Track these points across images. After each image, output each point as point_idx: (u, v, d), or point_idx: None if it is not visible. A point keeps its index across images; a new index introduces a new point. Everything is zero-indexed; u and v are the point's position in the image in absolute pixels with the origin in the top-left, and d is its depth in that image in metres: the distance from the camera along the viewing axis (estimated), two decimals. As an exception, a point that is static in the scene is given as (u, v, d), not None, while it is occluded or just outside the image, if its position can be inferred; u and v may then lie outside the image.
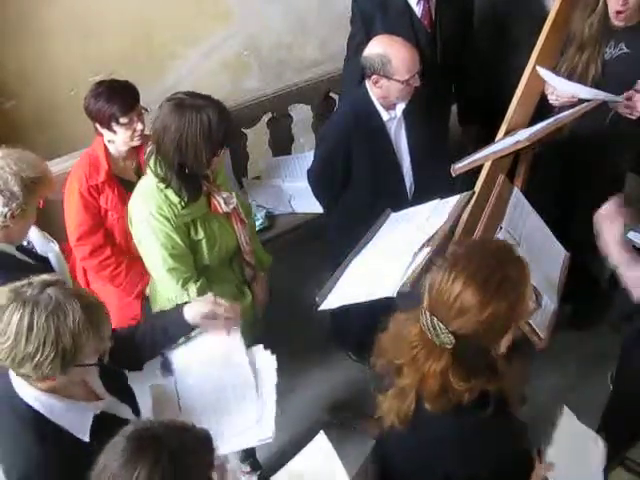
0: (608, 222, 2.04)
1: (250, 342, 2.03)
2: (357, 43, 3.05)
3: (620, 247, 1.99)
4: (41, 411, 1.54)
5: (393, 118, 2.75)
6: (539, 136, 2.46)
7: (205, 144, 2.11)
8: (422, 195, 2.65)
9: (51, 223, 2.60)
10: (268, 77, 4.44)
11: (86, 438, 1.57)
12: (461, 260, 1.46)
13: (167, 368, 2.01)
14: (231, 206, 2.34)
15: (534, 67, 2.68)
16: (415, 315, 1.51)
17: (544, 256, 2.36)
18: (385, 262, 2.20)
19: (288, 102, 3.67)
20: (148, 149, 2.25)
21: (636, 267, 1.96)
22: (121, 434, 1.31)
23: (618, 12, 2.52)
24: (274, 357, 1.97)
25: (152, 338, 1.94)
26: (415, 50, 2.63)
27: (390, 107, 2.72)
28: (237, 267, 2.52)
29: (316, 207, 3.11)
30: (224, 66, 4.38)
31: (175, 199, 2.20)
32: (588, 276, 3.22)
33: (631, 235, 2.40)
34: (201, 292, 2.30)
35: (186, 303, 1.97)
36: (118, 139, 2.60)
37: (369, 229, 2.44)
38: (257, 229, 3.05)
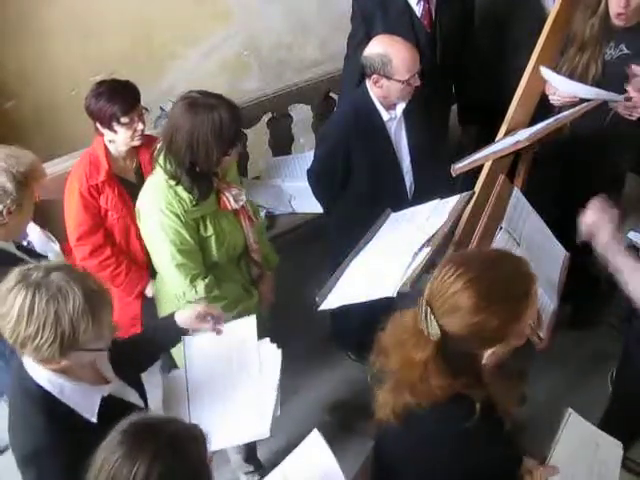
0: (598, 231, 1.95)
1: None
2: (357, 42, 3.06)
3: (620, 253, 1.91)
4: (51, 391, 1.58)
5: (393, 118, 2.75)
6: (539, 136, 2.46)
7: (217, 143, 2.12)
8: (422, 195, 2.65)
9: (51, 223, 2.60)
10: (268, 77, 4.44)
11: (94, 419, 1.61)
12: (473, 262, 1.46)
13: (167, 369, 2.03)
14: (240, 203, 2.35)
15: (534, 67, 2.68)
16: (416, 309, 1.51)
17: (544, 256, 2.36)
18: (385, 262, 2.20)
19: (288, 102, 3.67)
20: (158, 146, 2.25)
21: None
22: (116, 429, 1.32)
23: (619, 13, 2.53)
24: (280, 351, 1.99)
25: (148, 346, 2.00)
26: (415, 50, 2.63)
27: (390, 107, 2.72)
28: (244, 266, 2.52)
29: (316, 207, 3.11)
30: (224, 66, 4.39)
31: (185, 196, 2.21)
32: (588, 276, 3.22)
33: (631, 235, 2.41)
34: (209, 289, 2.31)
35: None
36: (119, 139, 2.59)
37: (369, 229, 2.44)
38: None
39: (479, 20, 3.25)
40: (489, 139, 2.74)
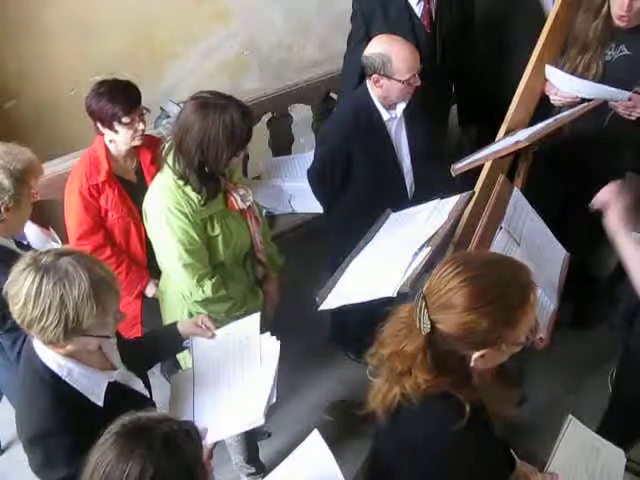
0: (609, 210, 2.01)
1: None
2: (357, 42, 3.06)
3: (623, 235, 1.96)
4: (59, 373, 1.62)
5: (393, 118, 2.75)
6: (539, 136, 2.46)
7: (227, 144, 2.12)
8: (422, 195, 2.65)
9: (51, 223, 2.60)
10: (268, 77, 4.44)
11: (100, 403, 1.65)
12: (473, 262, 1.46)
13: (167, 370, 2.06)
14: (248, 203, 2.35)
15: (534, 67, 2.69)
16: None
17: (544, 256, 2.36)
18: (385, 262, 2.20)
19: (288, 102, 3.67)
20: (166, 145, 2.25)
21: None
22: (108, 431, 1.32)
23: (621, 16, 2.53)
24: (278, 342, 2.01)
25: (148, 349, 2.06)
26: (415, 50, 2.63)
27: (390, 107, 2.72)
28: (250, 266, 2.52)
29: (316, 207, 3.11)
30: (224, 66, 4.39)
31: (193, 195, 2.21)
32: (588, 276, 3.22)
33: (633, 236, 2.40)
34: (216, 289, 2.31)
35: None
36: (120, 139, 2.60)
37: (369, 229, 2.44)
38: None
39: (479, 20, 3.25)
40: (489, 139, 2.74)
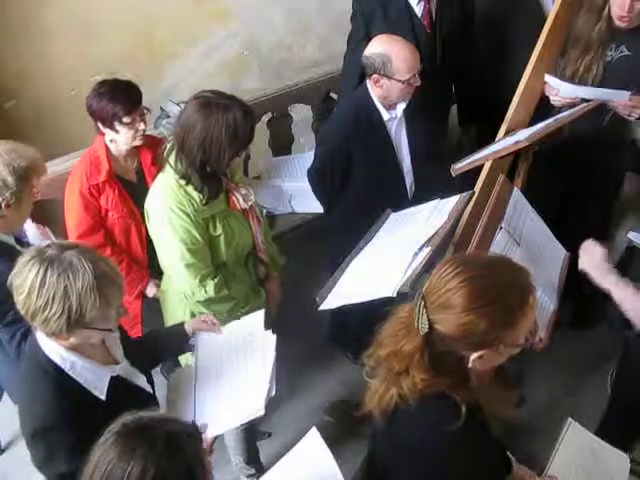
0: (597, 272, 2.08)
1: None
2: (357, 42, 3.06)
3: (620, 286, 2.03)
4: (62, 366, 1.63)
5: (394, 118, 2.75)
6: (539, 136, 2.46)
7: (229, 144, 2.11)
8: (422, 195, 2.65)
9: (51, 223, 2.60)
10: (268, 77, 4.44)
11: (103, 397, 1.66)
12: (473, 263, 1.46)
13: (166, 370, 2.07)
14: (249, 203, 2.35)
15: (534, 67, 2.69)
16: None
17: (544, 256, 2.36)
18: (385, 262, 2.20)
19: (288, 102, 3.67)
20: (168, 145, 2.25)
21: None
22: (109, 430, 1.32)
23: (622, 16, 2.54)
24: (274, 336, 2.04)
25: (153, 349, 2.08)
26: (416, 50, 2.64)
27: (391, 107, 2.72)
28: (252, 267, 2.53)
29: (316, 207, 3.11)
30: (224, 66, 4.39)
31: (195, 195, 2.21)
32: (588, 276, 3.22)
33: (631, 235, 2.41)
34: (218, 289, 2.31)
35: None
36: (120, 138, 2.60)
37: (369, 229, 2.44)
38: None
39: (479, 20, 3.25)
40: (489, 139, 2.74)
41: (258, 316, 2.14)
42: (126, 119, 2.53)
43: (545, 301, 2.21)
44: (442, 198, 2.41)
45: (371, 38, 2.71)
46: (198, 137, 2.10)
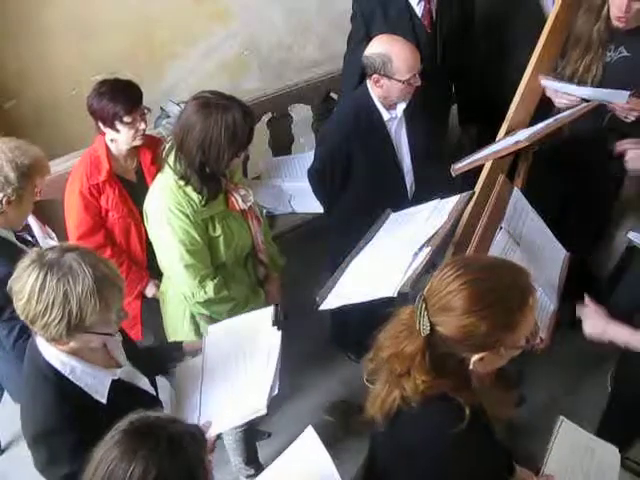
0: (606, 335, 2.08)
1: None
2: (357, 42, 3.06)
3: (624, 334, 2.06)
4: (62, 371, 1.62)
5: (394, 118, 2.75)
6: (539, 136, 2.46)
7: (229, 145, 2.11)
8: (422, 195, 2.65)
9: (52, 223, 2.60)
10: (268, 77, 4.44)
11: (104, 400, 1.65)
12: (474, 265, 1.46)
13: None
14: (248, 203, 2.35)
15: (534, 67, 2.69)
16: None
17: (544, 256, 2.36)
18: (385, 262, 2.20)
19: (288, 102, 3.67)
20: (167, 145, 2.25)
21: None
22: (115, 427, 1.33)
23: (619, 17, 2.54)
24: (279, 332, 2.02)
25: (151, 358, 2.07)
26: (416, 50, 2.64)
27: (391, 107, 2.72)
28: (251, 268, 2.52)
29: (316, 207, 3.11)
30: (224, 66, 4.39)
31: (194, 196, 2.20)
32: (588, 276, 3.22)
33: (631, 235, 2.41)
34: (218, 290, 2.31)
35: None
36: (121, 138, 2.60)
37: (369, 229, 2.44)
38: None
39: (479, 20, 3.25)
40: (489, 139, 2.74)
41: (267, 312, 2.13)
42: (127, 118, 2.53)
43: (545, 301, 2.21)
44: (442, 198, 2.41)
45: (371, 38, 2.71)
46: (197, 138, 2.10)
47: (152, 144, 2.70)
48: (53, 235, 2.51)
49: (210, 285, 2.30)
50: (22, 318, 1.56)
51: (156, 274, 2.62)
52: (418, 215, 2.40)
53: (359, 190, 2.82)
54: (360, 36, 3.05)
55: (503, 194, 2.39)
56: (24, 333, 2.09)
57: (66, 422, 1.59)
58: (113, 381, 1.69)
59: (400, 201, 2.70)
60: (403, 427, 1.51)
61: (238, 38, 4.38)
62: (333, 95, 3.75)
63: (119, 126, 2.55)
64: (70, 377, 1.63)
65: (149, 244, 2.45)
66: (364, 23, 3.05)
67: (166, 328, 2.52)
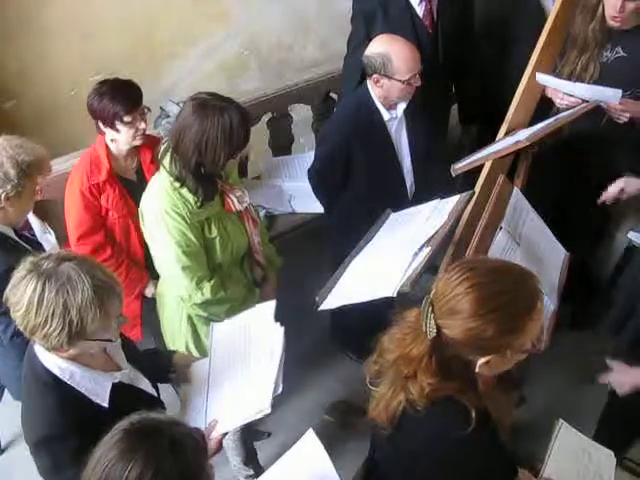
0: (630, 386, 2.11)
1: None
2: (358, 42, 3.06)
3: None
4: (61, 377, 1.61)
5: (394, 118, 2.75)
6: (539, 136, 2.46)
7: (225, 146, 2.10)
8: (422, 195, 2.65)
9: (52, 223, 2.60)
10: (268, 77, 4.44)
11: (105, 404, 1.64)
12: (481, 268, 1.45)
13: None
14: (244, 204, 2.34)
15: (534, 67, 2.69)
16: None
17: (544, 256, 2.36)
18: (385, 262, 2.20)
19: (288, 102, 3.67)
20: (162, 147, 2.24)
21: None
22: (116, 427, 1.32)
23: (614, 16, 2.55)
24: (282, 329, 2.01)
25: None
26: (416, 50, 2.63)
27: (391, 107, 2.72)
28: (248, 268, 2.52)
29: (316, 207, 3.11)
30: (224, 66, 4.39)
31: (190, 197, 2.19)
32: (588, 276, 3.22)
33: (631, 235, 2.41)
34: (215, 291, 2.30)
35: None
36: (121, 138, 2.60)
37: (369, 229, 2.44)
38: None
39: (480, 20, 3.25)
40: (489, 139, 2.74)
41: (269, 307, 2.11)
42: (127, 118, 2.53)
43: (545, 302, 2.21)
44: (442, 198, 2.41)
45: (372, 38, 2.71)
46: (194, 139, 2.09)
47: (152, 144, 2.69)
48: (51, 231, 2.51)
49: (207, 286, 2.29)
50: (21, 329, 1.54)
51: (155, 274, 2.61)
52: (418, 215, 2.40)
53: (359, 190, 2.82)
54: (360, 36, 3.05)
55: (503, 194, 2.39)
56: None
57: (67, 428, 1.58)
58: (114, 384, 1.68)
59: (400, 201, 2.70)
60: (407, 430, 1.51)
61: (238, 38, 4.38)
62: (333, 95, 3.75)
63: (119, 126, 2.55)
64: (70, 382, 1.62)
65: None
66: (364, 23, 3.05)
67: (164, 331, 2.51)
